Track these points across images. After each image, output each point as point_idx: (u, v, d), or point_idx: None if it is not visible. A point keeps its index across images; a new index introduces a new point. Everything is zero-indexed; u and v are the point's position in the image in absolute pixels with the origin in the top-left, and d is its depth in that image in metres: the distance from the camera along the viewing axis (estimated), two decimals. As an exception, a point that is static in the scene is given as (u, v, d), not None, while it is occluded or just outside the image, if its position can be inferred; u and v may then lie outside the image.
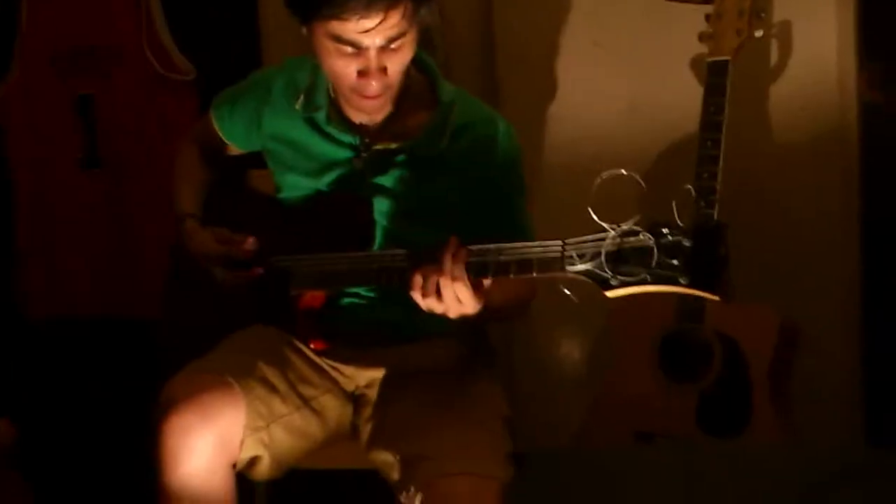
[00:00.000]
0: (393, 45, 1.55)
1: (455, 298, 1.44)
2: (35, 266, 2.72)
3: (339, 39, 1.53)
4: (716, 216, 1.94)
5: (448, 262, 1.43)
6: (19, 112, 2.69)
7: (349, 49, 1.54)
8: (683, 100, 2.22)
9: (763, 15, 2.08)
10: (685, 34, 2.15)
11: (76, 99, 2.65)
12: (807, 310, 2.18)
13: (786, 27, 2.25)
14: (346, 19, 1.49)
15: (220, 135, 1.90)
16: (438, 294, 1.44)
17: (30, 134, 2.69)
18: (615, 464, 1.97)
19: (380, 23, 1.50)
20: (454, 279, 1.42)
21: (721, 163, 1.99)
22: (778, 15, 2.24)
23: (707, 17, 2.10)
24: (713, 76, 2.05)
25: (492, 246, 1.43)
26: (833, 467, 1.84)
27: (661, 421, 2.05)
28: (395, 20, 1.51)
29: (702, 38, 2.10)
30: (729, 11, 2.07)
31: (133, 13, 2.58)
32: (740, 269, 1.89)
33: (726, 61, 2.05)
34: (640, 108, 2.38)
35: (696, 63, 2.27)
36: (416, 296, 1.47)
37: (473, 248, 1.44)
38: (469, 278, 1.42)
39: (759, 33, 2.06)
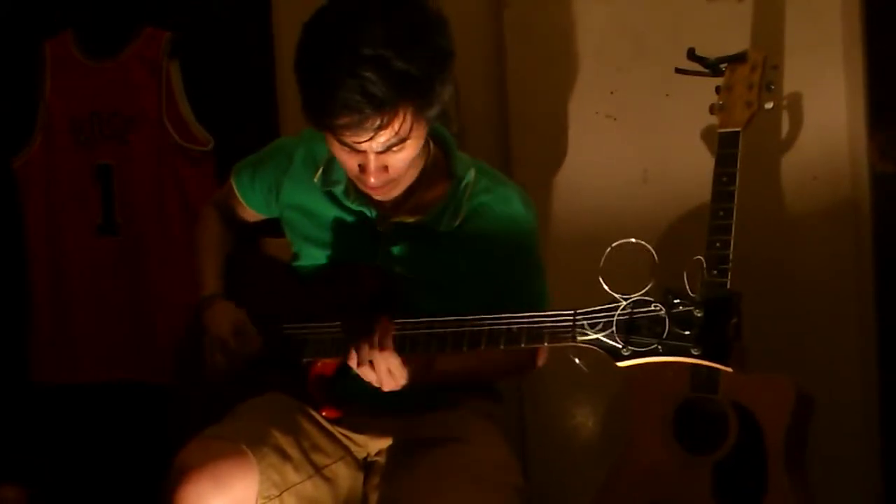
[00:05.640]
0: (394, 149, 1.54)
1: (386, 370, 1.50)
2: (48, 331, 2.73)
3: (339, 140, 1.54)
4: (728, 285, 1.94)
5: (377, 336, 1.49)
6: (40, 179, 2.71)
7: (348, 148, 1.55)
8: (695, 170, 2.24)
9: (773, 87, 2.09)
10: (696, 106, 2.17)
11: (95, 167, 2.68)
12: (821, 379, 2.16)
13: (796, 99, 2.28)
14: (340, 134, 1.51)
15: (241, 200, 1.92)
16: (371, 365, 1.50)
17: (48, 200, 2.72)
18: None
19: (372, 136, 1.49)
20: (381, 350, 1.49)
21: (733, 232, 1.98)
22: (788, 87, 2.26)
23: (717, 90, 2.12)
24: (724, 147, 2.06)
25: (436, 318, 1.48)
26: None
27: (677, 492, 2.03)
28: (391, 131, 1.50)
29: (713, 109, 2.11)
30: (739, 84, 2.08)
31: (153, 84, 2.62)
32: (753, 338, 1.89)
33: (737, 132, 2.05)
34: (653, 178, 2.40)
35: (707, 134, 2.29)
36: (352, 364, 1.52)
37: (400, 322, 1.50)
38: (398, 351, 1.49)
39: (769, 105, 2.07)
